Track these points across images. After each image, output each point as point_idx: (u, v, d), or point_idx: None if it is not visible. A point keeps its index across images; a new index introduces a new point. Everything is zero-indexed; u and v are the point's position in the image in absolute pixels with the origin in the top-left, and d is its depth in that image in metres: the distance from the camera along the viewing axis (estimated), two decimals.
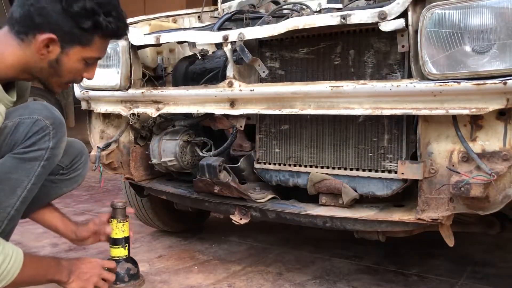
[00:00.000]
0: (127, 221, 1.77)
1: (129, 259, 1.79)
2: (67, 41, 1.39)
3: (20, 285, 1.41)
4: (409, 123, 1.50)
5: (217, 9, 2.55)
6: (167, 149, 1.89)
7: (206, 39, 1.75)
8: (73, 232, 1.76)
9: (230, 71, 1.68)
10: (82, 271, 1.57)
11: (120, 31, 1.47)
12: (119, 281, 1.73)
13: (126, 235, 1.76)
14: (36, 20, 1.35)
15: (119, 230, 1.75)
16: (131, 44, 1.90)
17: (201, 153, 1.89)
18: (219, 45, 1.97)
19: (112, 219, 1.76)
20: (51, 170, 1.55)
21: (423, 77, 1.33)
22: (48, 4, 1.35)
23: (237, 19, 1.90)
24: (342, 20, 1.43)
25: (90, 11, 1.36)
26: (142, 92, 1.87)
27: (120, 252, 1.75)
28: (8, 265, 1.33)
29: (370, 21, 1.39)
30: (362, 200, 1.64)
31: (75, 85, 2.05)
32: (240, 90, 1.64)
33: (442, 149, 1.37)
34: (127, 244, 1.77)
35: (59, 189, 1.70)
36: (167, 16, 2.34)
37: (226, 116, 1.74)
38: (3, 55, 1.39)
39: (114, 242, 1.75)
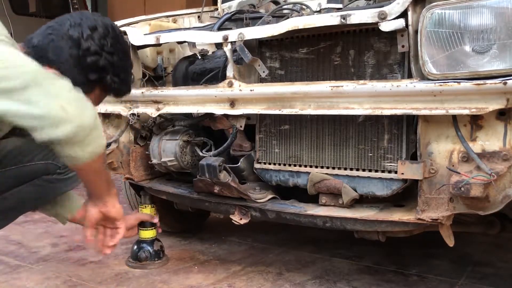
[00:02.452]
0: (154, 206, 2.02)
1: (157, 239, 2.04)
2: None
3: (90, 171, 1.36)
4: (409, 123, 1.50)
5: (217, 9, 2.55)
6: (167, 149, 1.89)
7: (206, 39, 1.75)
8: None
9: (230, 71, 1.68)
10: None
11: (121, 93, 1.54)
12: (156, 258, 2.01)
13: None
14: (49, 55, 1.39)
15: (152, 214, 1.98)
16: (131, 44, 1.90)
17: (201, 153, 1.89)
18: (219, 45, 1.97)
19: (146, 205, 2.00)
20: (48, 170, 1.54)
21: (423, 77, 1.33)
22: (65, 47, 1.39)
23: (237, 19, 1.90)
24: (342, 20, 1.43)
25: (100, 68, 1.42)
26: (142, 92, 1.87)
27: (153, 233, 2.00)
28: (100, 137, 1.27)
29: (370, 21, 1.39)
30: (362, 200, 1.64)
31: None
32: (240, 90, 1.64)
33: (442, 149, 1.37)
34: (155, 227, 2.00)
35: (57, 189, 1.70)
36: (167, 16, 2.34)
37: (226, 116, 1.74)
38: None
39: (146, 225, 1.98)
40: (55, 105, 1.16)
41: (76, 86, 1.30)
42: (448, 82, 1.27)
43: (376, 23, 1.38)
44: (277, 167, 1.74)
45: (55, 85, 1.20)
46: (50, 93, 1.17)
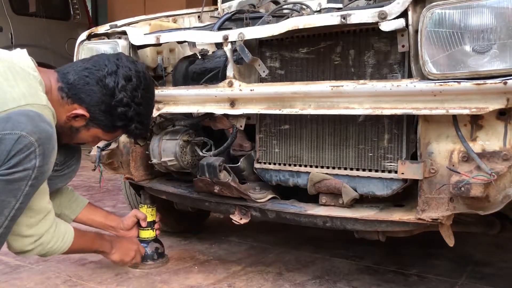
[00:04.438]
0: (154, 207, 1.99)
1: (157, 240, 2.02)
2: (94, 123, 1.55)
3: (72, 253, 1.72)
4: (409, 123, 1.49)
5: (217, 9, 2.55)
6: (167, 149, 1.89)
7: (206, 39, 1.75)
8: (120, 222, 1.94)
9: (230, 71, 1.68)
10: (122, 245, 1.84)
11: (139, 136, 1.70)
12: (149, 259, 1.98)
13: (154, 219, 1.99)
14: (82, 96, 1.50)
15: (148, 214, 1.97)
16: (131, 44, 1.90)
17: (201, 153, 1.89)
18: (219, 45, 1.97)
19: (143, 205, 1.99)
20: None
21: (423, 77, 1.33)
22: (99, 93, 1.50)
23: (237, 19, 1.90)
24: (342, 20, 1.43)
25: (128, 118, 1.54)
26: None
27: (149, 233, 1.98)
28: (61, 243, 1.54)
29: (370, 21, 1.39)
30: (362, 200, 1.64)
31: None
32: (240, 90, 1.64)
33: (442, 149, 1.37)
34: (153, 227, 1.99)
35: (53, 185, 1.72)
36: (167, 16, 2.34)
37: (226, 115, 1.74)
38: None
39: (142, 224, 1.98)
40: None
41: (100, 127, 1.55)
42: (448, 82, 1.27)
43: (376, 23, 1.38)
44: (277, 167, 1.74)
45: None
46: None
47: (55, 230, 1.52)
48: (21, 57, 1.48)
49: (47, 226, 1.49)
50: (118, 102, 1.50)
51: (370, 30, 1.52)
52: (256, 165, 1.79)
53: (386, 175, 1.52)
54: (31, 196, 1.36)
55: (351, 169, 1.59)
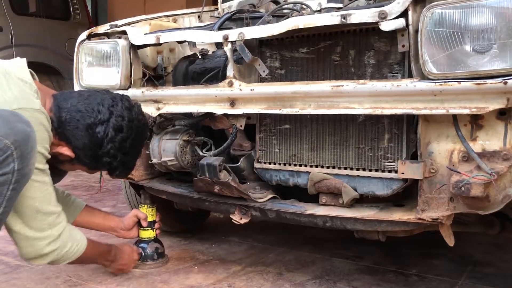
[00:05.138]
0: (154, 207, 2.00)
1: (157, 240, 2.03)
2: (79, 162, 1.55)
3: (80, 263, 1.70)
4: (409, 122, 1.50)
5: (217, 9, 2.55)
6: (167, 149, 1.89)
7: (206, 39, 1.75)
8: (119, 222, 1.93)
9: (230, 71, 1.68)
10: (124, 252, 1.86)
11: (123, 178, 1.71)
12: (149, 259, 1.98)
13: (154, 219, 2.00)
14: (69, 137, 1.49)
15: (148, 214, 1.98)
16: (131, 43, 1.90)
17: (201, 153, 1.89)
18: (219, 45, 1.97)
19: (143, 205, 1.99)
20: None
21: (424, 77, 1.33)
22: (87, 140, 1.48)
23: (237, 18, 1.90)
24: (342, 19, 1.43)
25: (112, 167, 1.55)
26: (142, 92, 1.87)
27: (149, 233, 1.99)
28: (76, 246, 1.55)
29: (370, 21, 1.39)
30: (362, 200, 1.64)
31: (75, 84, 2.07)
32: (240, 89, 1.64)
33: (442, 148, 1.37)
34: (154, 227, 2.00)
35: None
36: (167, 16, 2.34)
37: (226, 115, 1.74)
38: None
39: (142, 224, 1.98)
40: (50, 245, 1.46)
41: (85, 166, 1.56)
42: (448, 81, 1.27)
43: (377, 23, 1.38)
44: (277, 166, 1.74)
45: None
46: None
47: (70, 233, 1.53)
48: (18, 68, 1.45)
49: (61, 227, 1.49)
50: (104, 153, 1.50)
51: (370, 30, 1.52)
52: (256, 165, 1.79)
53: (386, 175, 1.52)
54: (14, 200, 1.32)
55: (351, 169, 1.59)
